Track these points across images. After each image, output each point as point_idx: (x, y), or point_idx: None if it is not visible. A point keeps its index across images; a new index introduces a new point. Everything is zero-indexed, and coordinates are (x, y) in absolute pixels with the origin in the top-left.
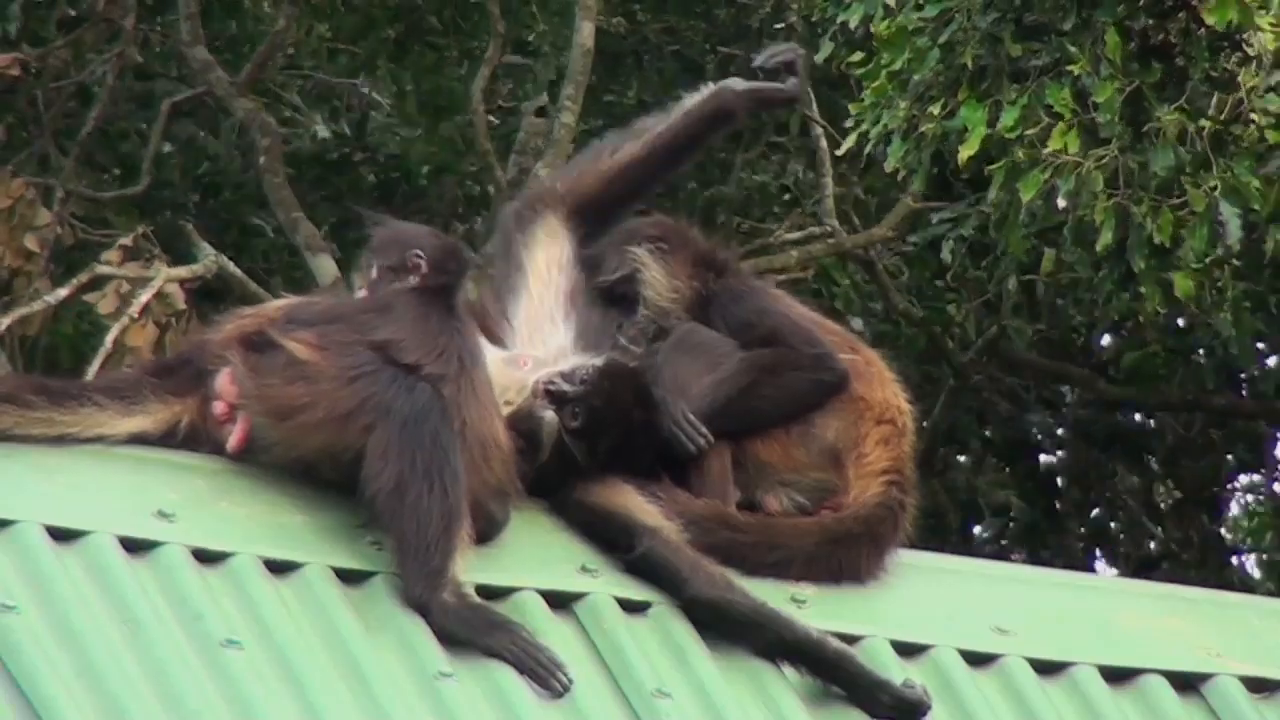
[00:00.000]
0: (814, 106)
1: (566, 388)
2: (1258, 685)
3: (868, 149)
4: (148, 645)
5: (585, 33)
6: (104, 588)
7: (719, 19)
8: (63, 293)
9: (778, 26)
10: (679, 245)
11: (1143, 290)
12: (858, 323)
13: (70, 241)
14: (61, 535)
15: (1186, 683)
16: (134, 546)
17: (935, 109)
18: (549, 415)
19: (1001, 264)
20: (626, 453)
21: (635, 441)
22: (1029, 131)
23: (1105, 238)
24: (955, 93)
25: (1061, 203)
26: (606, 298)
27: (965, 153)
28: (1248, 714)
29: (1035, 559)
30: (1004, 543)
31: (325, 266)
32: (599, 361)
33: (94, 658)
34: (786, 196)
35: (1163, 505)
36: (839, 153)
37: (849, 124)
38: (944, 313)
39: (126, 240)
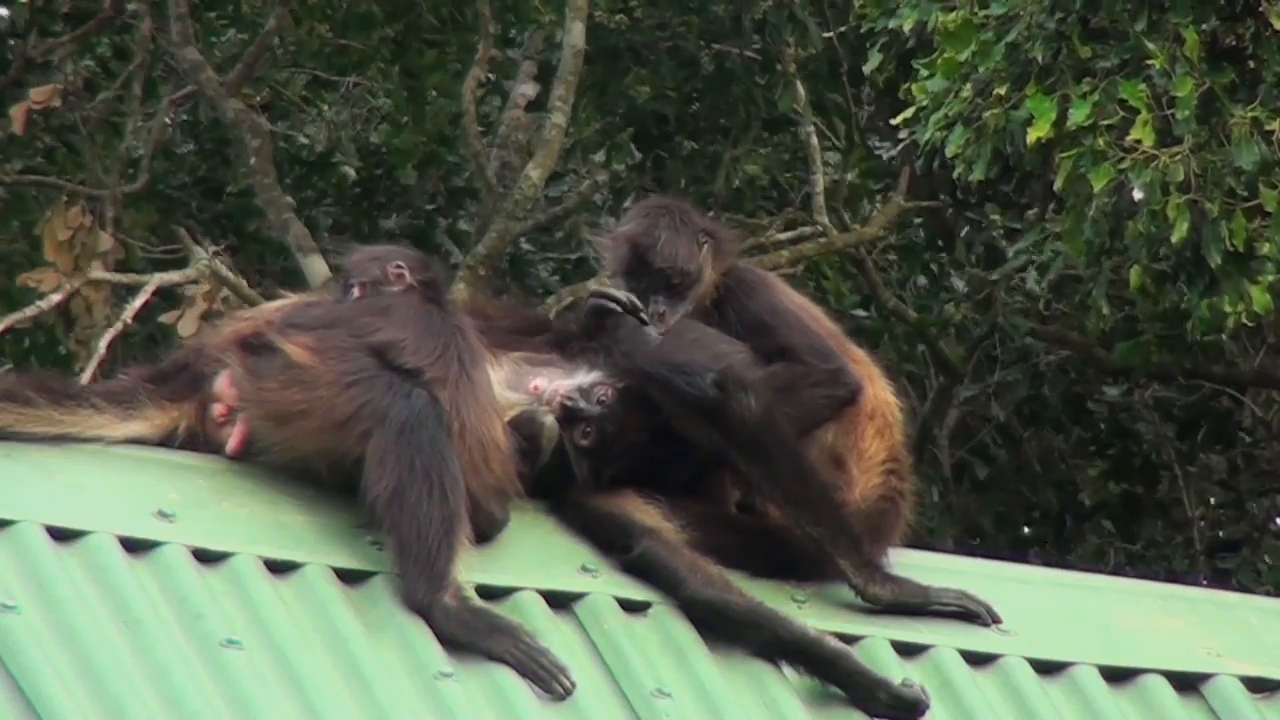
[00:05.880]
0: (806, 106)
1: (583, 405)
2: (1258, 685)
3: (927, 137)
4: (148, 645)
5: (575, 33)
6: (104, 588)
7: (714, 15)
8: (56, 298)
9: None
10: (722, 243)
11: (1225, 300)
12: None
13: (120, 256)
14: (61, 535)
15: (1186, 683)
16: (134, 546)
17: (1000, 91)
18: (549, 420)
19: (1092, 290)
20: (629, 478)
21: (640, 470)
22: (1104, 123)
23: (1180, 231)
24: (1021, 87)
25: (1138, 195)
26: (659, 283)
27: (1034, 134)
28: (1248, 714)
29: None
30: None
31: (316, 267)
32: (619, 384)
33: (94, 658)
34: (775, 193)
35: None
36: (895, 122)
37: (902, 119)
38: (939, 313)
39: (198, 276)
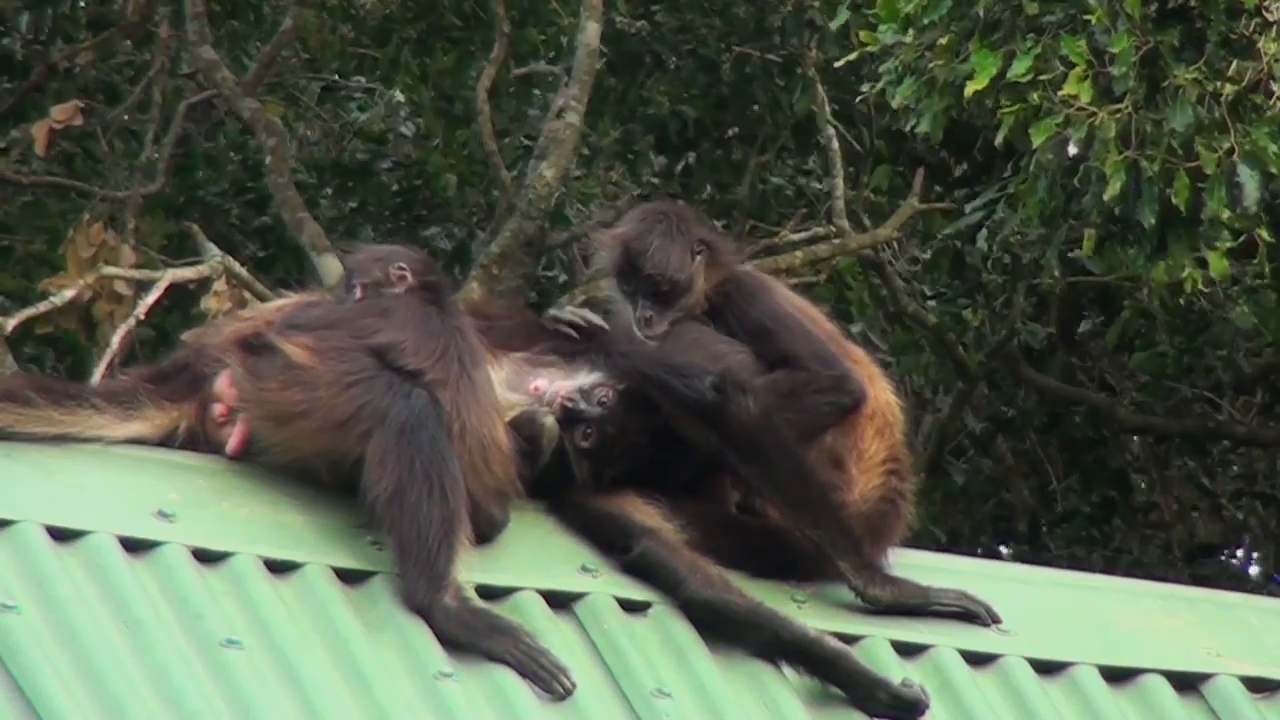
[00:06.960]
0: (825, 108)
1: (584, 406)
2: (1258, 685)
3: (877, 88)
4: (148, 645)
5: (590, 33)
6: (104, 588)
7: (736, 17)
8: (69, 294)
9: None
10: (718, 253)
11: (1181, 263)
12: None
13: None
14: (61, 535)
15: (1186, 683)
16: (134, 546)
17: (944, 41)
18: (550, 421)
19: (1046, 252)
20: (630, 478)
21: (640, 470)
22: (1043, 77)
23: (1113, 189)
24: (967, 43)
25: (1072, 150)
26: (647, 289)
27: (973, 87)
28: (1248, 714)
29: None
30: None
31: (330, 266)
32: (620, 385)
33: (94, 658)
34: (802, 202)
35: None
36: (838, 64)
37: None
38: (959, 318)
39: (211, 274)
